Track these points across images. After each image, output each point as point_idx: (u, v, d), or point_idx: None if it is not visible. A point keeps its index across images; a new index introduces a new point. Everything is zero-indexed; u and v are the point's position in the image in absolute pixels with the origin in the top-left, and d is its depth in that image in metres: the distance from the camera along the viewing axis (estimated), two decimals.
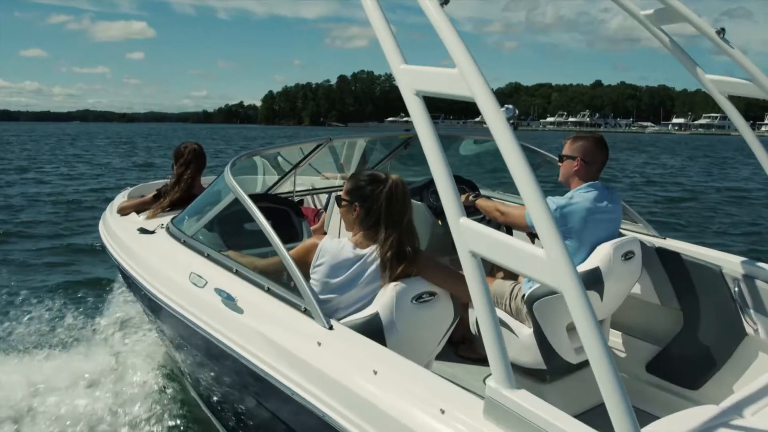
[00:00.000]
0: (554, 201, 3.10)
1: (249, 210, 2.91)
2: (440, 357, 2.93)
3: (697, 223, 13.39)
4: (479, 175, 4.94)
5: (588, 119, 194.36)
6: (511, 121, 1.68)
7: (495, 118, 1.65)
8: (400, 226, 2.60)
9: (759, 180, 22.19)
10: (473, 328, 3.10)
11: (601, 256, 3.11)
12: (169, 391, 4.34)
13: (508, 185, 4.74)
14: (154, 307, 3.56)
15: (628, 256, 3.22)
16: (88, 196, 16.07)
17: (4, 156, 32.06)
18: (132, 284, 3.94)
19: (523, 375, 3.08)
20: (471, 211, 3.14)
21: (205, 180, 4.57)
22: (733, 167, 31.87)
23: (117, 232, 4.29)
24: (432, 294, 2.56)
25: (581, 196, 3.15)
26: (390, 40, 1.92)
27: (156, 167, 25.54)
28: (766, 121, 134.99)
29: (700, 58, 2.97)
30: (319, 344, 2.34)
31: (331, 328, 2.38)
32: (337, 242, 2.66)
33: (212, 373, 3.27)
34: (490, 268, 3.69)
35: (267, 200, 4.03)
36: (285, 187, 4.75)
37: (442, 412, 1.90)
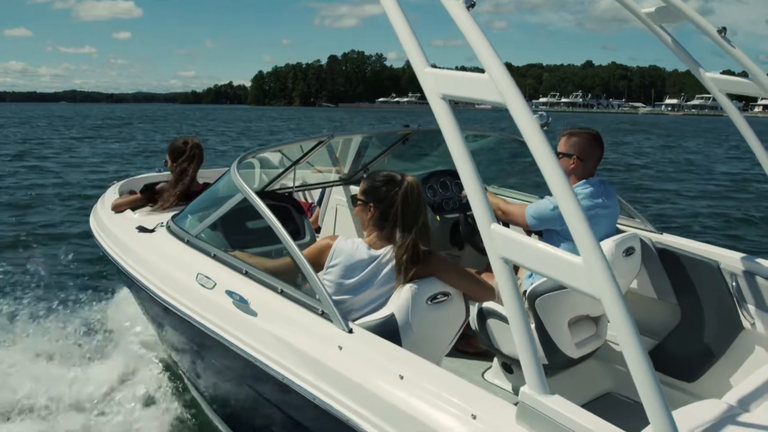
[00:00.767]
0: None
1: (260, 210, 2.82)
2: None
3: None
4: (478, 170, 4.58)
5: (580, 99, 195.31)
6: (545, 128, 1.64)
7: (529, 124, 1.64)
8: (415, 227, 2.59)
9: None
10: (473, 324, 3.16)
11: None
12: (168, 391, 4.30)
13: (501, 180, 4.80)
14: (156, 308, 3.46)
15: (629, 252, 3.23)
16: (98, 187, 15.21)
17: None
18: (132, 284, 3.81)
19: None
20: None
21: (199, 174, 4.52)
22: None
23: (113, 230, 4.17)
24: (446, 294, 2.59)
25: (578, 193, 3.15)
26: (413, 43, 1.89)
27: (159, 154, 24.69)
28: (758, 102, 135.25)
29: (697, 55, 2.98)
30: (340, 348, 2.30)
31: (350, 331, 2.35)
32: (351, 243, 2.64)
33: (212, 373, 3.24)
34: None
35: (268, 197, 3.86)
36: (283, 183, 4.62)
37: (474, 417, 1.88)
